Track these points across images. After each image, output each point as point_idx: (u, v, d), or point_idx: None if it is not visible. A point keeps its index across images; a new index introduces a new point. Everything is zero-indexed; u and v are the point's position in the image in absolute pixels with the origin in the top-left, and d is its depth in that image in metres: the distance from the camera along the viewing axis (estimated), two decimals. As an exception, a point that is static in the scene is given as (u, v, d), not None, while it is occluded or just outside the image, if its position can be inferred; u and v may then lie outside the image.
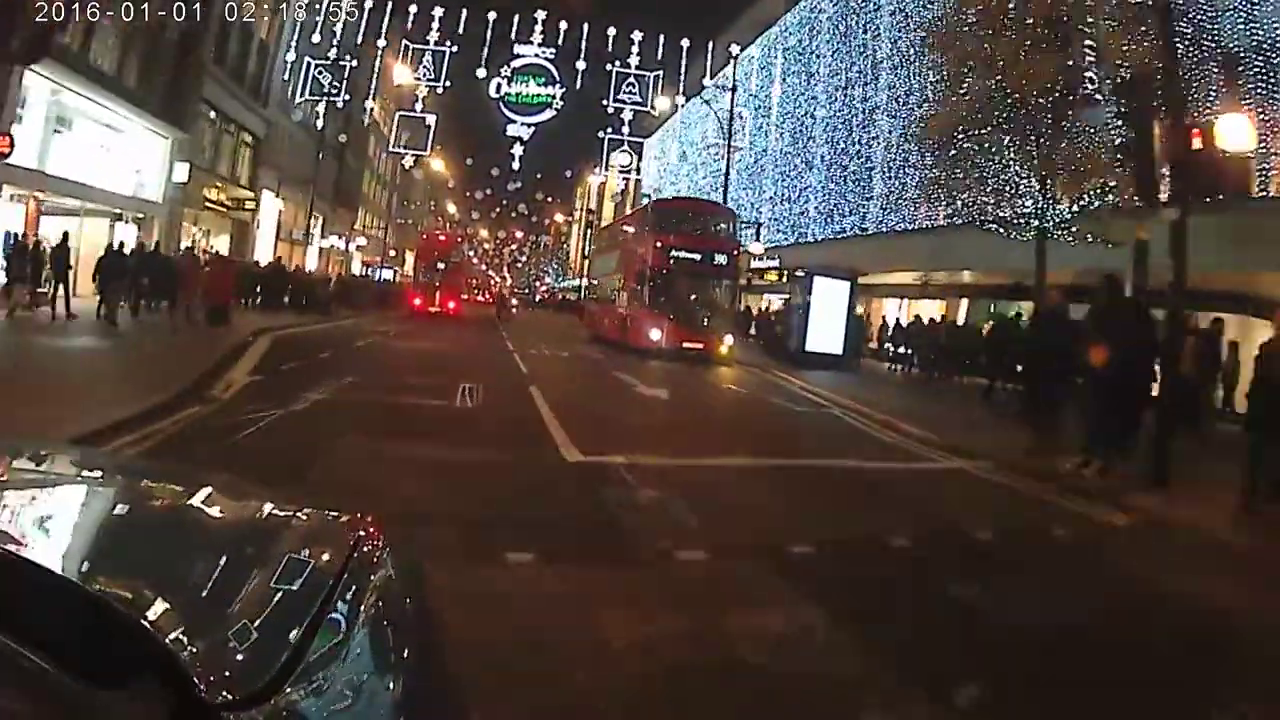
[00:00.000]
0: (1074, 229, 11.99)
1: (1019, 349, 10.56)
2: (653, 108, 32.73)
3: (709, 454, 7.02)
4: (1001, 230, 12.73)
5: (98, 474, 1.38)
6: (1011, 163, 12.18)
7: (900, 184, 29.31)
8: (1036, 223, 12.20)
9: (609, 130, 33.58)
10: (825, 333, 18.80)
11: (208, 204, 29.32)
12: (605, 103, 32.12)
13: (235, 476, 1.41)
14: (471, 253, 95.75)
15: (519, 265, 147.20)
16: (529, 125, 32.08)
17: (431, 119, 32.47)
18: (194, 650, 0.69)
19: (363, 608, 0.90)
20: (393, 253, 58.35)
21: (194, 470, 1.62)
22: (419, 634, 0.98)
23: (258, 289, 24.06)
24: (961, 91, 12.65)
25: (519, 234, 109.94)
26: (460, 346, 18.98)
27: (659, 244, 19.88)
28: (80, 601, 0.69)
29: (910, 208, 28.70)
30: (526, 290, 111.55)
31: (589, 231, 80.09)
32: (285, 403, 7.51)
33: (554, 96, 31.96)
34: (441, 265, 33.37)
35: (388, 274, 45.21)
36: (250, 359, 11.25)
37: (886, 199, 29.93)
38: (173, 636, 0.69)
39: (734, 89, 30.29)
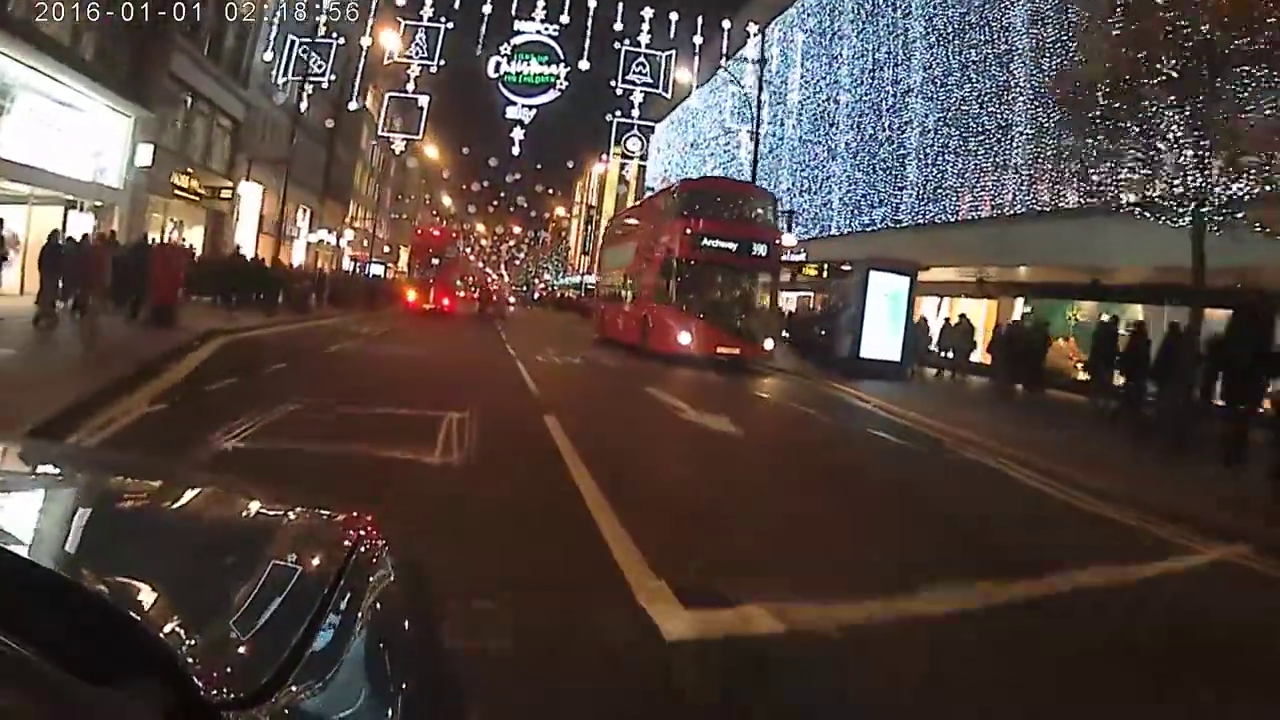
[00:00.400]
0: (1239, 215, 9.24)
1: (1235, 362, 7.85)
2: (665, 90, 29.99)
3: (890, 577, 3.89)
4: (1148, 214, 9.94)
5: (98, 473, 1.33)
6: (1172, 129, 9.33)
7: (939, 172, 26.80)
8: (1194, 205, 9.41)
9: (617, 114, 30.78)
10: (882, 336, 16.06)
11: (177, 191, 26.61)
12: (613, 84, 29.36)
13: (235, 476, 1.37)
14: (468, 249, 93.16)
15: (517, 262, 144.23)
16: (530, 107, 29.31)
17: (424, 100, 29.64)
18: (194, 649, 0.68)
19: (362, 607, 0.88)
20: (387, 248, 55.95)
21: (194, 469, 1.50)
22: (418, 633, 0.96)
23: (232, 285, 21.31)
24: (1115, 36, 9.69)
25: (516, 229, 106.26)
26: (452, 352, 16.14)
27: (688, 230, 16.86)
28: (80, 601, 0.68)
29: (951, 197, 26.18)
30: (525, 288, 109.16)
31: (590, 226, 77.25)
32: (174, 455, 4.78)
33: (557, 76, 29.20)
34: (436, 261, 32.86)
35: (378, 269, 42.30)
36: (173, 375, 8.48)
37: (923, 188, 27.36)
38: (172, 636, 0.69)
39: (763, 61, 27.50)
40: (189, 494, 1.22)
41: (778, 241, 17.81)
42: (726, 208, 17.96)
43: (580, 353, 17.98)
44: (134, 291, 13.87)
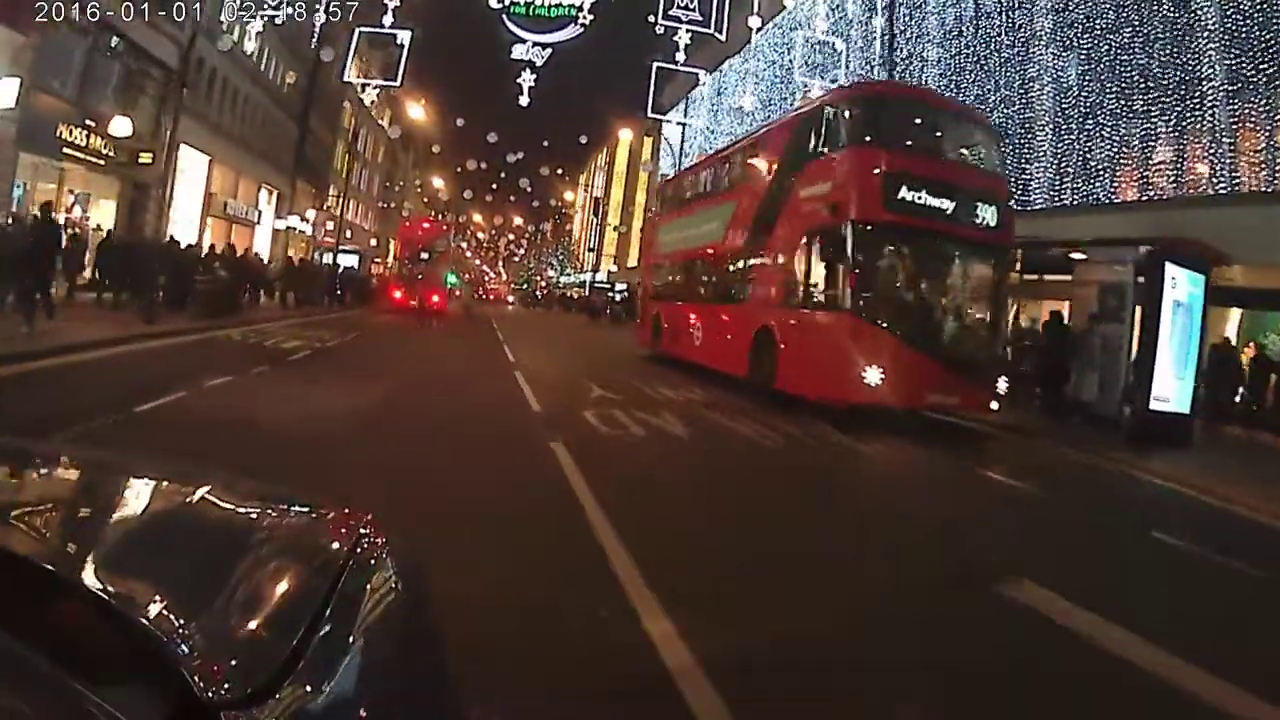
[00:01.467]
0: None
1: None
2: (719, 30, 23.19)
3: None
4: None
5: (95, 471, 1.28)
6: None
7: (1086, 141, 20.09)
8: None
9: (657, 58, 23.81)
10: (1168, 373, 9.18)
11: (69, 150, 19.70)
12: (653, 20, 22.46)
13: (234, 474, 1.28)
14: (462, 244, 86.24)
15: (516, 259, 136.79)
16: (542, 46, 22.33)
17: (405, 36, 22.63)
18: (193, 649, 0.67)
19: (362, 606, 0.87)
20: (374, 241, 49.68)
21: (193, 467, 1.33)
22: (418, 633, 0.95)
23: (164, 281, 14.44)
24: None
25: (518, 220, 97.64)
26: (416, 408, 8.20)
27: (877, 171, 9.23)
28: (79, 600, 0.69)
29: (1108, 173, 19.50)
30: (525, 285, 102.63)
31: (597, 219, 69.99)
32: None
33: (579, 8, 22.24)
34: (426, 256, 30.71)
35: (350, 260, 35.31)
36: None
37: (1064, 161, 20.69)
38: (172, 635, 0.68)
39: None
40: (189, 492, 1.17)
41: (1010, 202, 10.33)
42: (937, 138, 10.26)
43: (649, 390, 10.58)
44: None
